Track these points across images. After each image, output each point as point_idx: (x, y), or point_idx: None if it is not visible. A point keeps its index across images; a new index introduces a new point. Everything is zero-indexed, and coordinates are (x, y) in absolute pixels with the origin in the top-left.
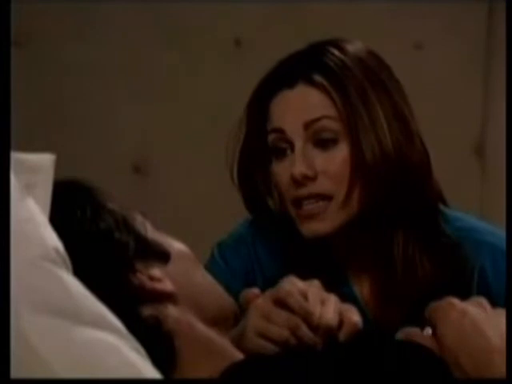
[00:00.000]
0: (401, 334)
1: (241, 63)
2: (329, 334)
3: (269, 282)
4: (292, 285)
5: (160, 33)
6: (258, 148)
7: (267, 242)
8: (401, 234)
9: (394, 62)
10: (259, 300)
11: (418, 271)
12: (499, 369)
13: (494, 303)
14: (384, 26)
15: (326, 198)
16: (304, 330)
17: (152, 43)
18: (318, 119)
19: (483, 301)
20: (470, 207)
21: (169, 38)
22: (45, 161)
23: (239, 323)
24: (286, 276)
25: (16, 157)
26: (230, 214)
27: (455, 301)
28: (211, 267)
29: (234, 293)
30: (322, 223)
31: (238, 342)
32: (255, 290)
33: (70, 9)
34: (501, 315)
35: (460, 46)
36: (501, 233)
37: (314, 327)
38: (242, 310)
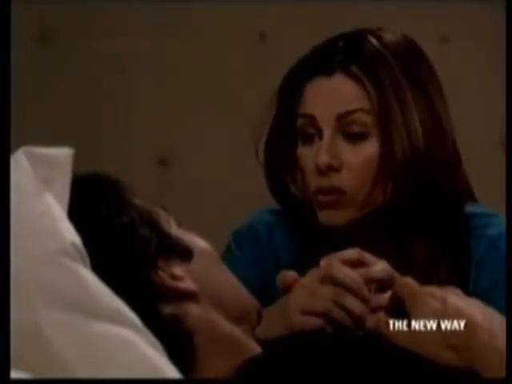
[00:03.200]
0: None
1: (265, 56)
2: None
3: None
4: (338, 263)
5: (184, 26)
6: (287, 130)
7: (283, 232)
8: (422, 239)
9: None
10: (304, 280)
11: (433, 279)
12: (485, 344)
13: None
14: (409, 20)
15: (346, 193)
16: (350, 300)
17: (176, 36)
18: (352, 112)
19: (457, 290)
20: (495, 199)
21: (193, 32)
22: (62, 155)
23: (277, 303)
24: (300, 266)
25: (34, 151)
26: (257, 205)
27: (434, 290)
28: (226, 256)
29: (249, 282)
30: (339, 214)
31: (279, 321)
32: (293, 273)
33: (95, 3)
34: (474, 300)
35: (485, 38)
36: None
37: (365, 300)
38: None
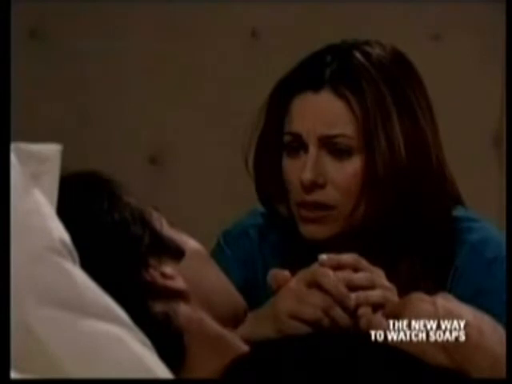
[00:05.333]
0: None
1: (257, 54)
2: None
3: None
4: (323, 267)
5: (175, 23)
6: (274, 144)
7: (272, 236)
8: (408, 252)
9: (410, 53)
10: (291, 282)
11: (420, 290)
12: (475, 344)
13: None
14: (401, 18)
15: (330, 208)
16: (338, 311)
17: (167, 34)
18: (334, 136)
19: (448, 295)
20: (488, 199)
21: (185, 29)
22: (51, 151)
23: (267, 303)
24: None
25: (22, 147)
26: (247, 205)
27: (423, 295)
28: (216, 255)
29: (235, 282)
30: (322, 229)
31: (269, 324)
32: (286, 272)
33: (84, 3)
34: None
35: (478, 36)
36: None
37: (349, 309)
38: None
